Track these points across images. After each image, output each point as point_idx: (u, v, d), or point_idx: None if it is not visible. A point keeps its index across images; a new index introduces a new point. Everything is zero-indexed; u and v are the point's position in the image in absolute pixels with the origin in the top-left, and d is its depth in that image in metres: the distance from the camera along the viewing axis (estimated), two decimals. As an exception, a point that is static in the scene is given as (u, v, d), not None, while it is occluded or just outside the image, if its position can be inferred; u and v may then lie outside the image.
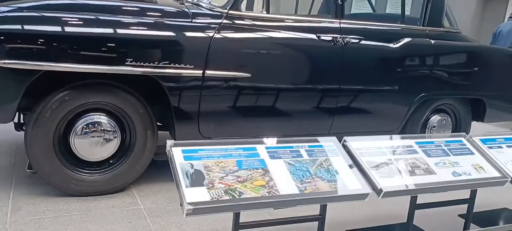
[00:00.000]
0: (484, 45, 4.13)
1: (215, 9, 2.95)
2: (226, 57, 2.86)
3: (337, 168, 2.13)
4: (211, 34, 2.80)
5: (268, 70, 3.02)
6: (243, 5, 3.02)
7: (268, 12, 3.13)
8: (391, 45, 3.41)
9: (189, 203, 1.71)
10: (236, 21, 2.94)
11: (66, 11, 2.57)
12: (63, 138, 2.70)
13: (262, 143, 2.13)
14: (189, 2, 3.12)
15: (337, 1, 3.25)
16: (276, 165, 2.04)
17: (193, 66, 2.75)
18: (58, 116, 2.60)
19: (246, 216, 1.97)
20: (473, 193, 2.43)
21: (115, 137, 2.77)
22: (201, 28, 2.81)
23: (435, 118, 3.86)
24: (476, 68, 3.86)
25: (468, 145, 2.60)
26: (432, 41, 3.60)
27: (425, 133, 3.83)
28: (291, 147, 2.17)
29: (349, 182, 2.07)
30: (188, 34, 2.77)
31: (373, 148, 2.33)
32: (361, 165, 2.19)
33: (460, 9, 7.26)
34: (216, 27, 2.84)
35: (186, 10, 2.88)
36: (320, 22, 3.26)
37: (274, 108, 3.09)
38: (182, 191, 1.76)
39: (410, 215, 2.23)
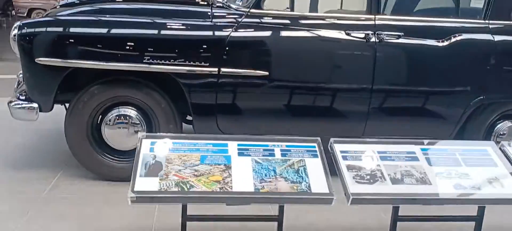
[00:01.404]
0: None
1: (238, 9, 3.00)
2: (242, 56, 2.90)
3: (310, 170, 2.04)
4: (227, 33, 2.87)
5: (287, 69, 2.97)
6: (268, 4, 3.00)
7: (292, 9, 3.07)
8: (436, 43, 3.07)
9: (134, 191, 1.82)
10: (256, 20, 2.95)
11: (89, 14, 2.88)
12: (97, 128, 3.02)
13: (235, 139, 2.15)
14: (219, 2, 3.20)
15: (369, -5, 3.05)
16: (241, 162, 2.04)
17: (208, 64, 2.85)
18: (89, 107, 2.92)
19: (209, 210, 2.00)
20: (481, 211, 2.10)
21: (141, 129, 3.01)
22: (219, 28, 2.89)
23: (503, 125, 3.36)
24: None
25: (493, 156, 2.25)
26: (495, 38, 3.14)
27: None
28: (266, 146, 2.14)
29: (316, 185, 1.97)
30: (204, 33, 2.88)
31: (361, 152, 2.16)
32: (340, 168, 2.06)
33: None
34: (233, 26, 2.90)
35: (207, 10, 2.99)
36: (350, 18, 3.08)
37: (295, 108, 3.03)
38: (134, 180, 1.87)
39: (392, 228, 2.02)
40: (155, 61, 2.81)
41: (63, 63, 2.76)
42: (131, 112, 3.00)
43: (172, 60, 2.82)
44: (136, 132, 3.01)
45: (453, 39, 3.09)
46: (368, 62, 3.01)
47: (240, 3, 3.07)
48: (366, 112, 3.09)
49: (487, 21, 3.19)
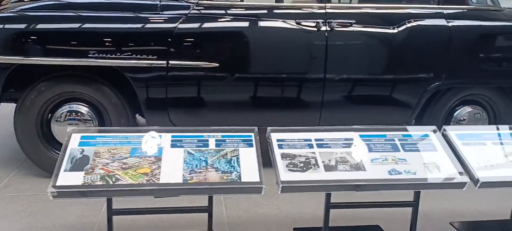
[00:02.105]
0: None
1: (188, 1, 2.96)
2: (190, 48, 2.86)
3: (243, 160, 2.00)
4: (174, 25, 2.83)
5: (238, 60, 2.94)
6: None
7: (242, 0, 3.03)
8: (389, 29, 3.04)
9: (54, 186, 1.78)
10: (205, 11, 2.92)
11: (37, 10, 2.82)
12: (47, 125, 2.98)
13: (170, 131, 2.11)
14: None
15: (322, -16, 3.02)
16: (173, 154, 2.00)
17: (156, 57, 2.81)
18: (38, 104, 2.87)
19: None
20: (416, 196, 2.07)
21: (93, 125, 2.97)
22: (166, 20, 2.86)
23: (463, 111, 3.33)
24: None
25: (434, 141, 2.23)
26: (449, 23, 3.11)
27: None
28: (201, 136, 2.11)
29: (247, 174, 1.94)
30: (151, 26, 2.85)
31: (299, 140, 2.13)
32: (274, 157, 2.03)
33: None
34: (181, 18, 2.86)
35: (156, 2, 2.95)
36: (301, 7, 3.05)
37: (247, 99, 3.00)
38: (56, 175, 1.83)
39: (325, 215, 1.99)
40: (101, 55, 2.77)
41: (5, 60, 2.72)
42: (82, 108, 2.96)
43: (118, 54, 2.78)
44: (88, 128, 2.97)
45: (406, 26, 3.07)
46: (320, 51, 2.98)
47: (190, -6, 3.03)
48: (320, 101, 3.07)
49: (441, 6, 3.17)
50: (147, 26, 2.84)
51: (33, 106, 2.87)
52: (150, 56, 2.80)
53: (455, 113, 3.33)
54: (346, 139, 2.18)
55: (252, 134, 2.13)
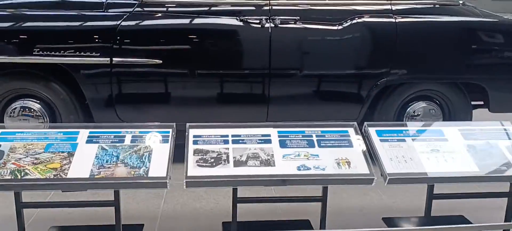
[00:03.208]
0: (490, 20, 3.37)
1: (133, -2, 3.02)
2: (134, 45, 2.92)
3: (155, 155, 2.06)
4: (117, 23, 2.89)
5: (182, 56, 2.98)
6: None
7: (184, -3, 3.07)
8: (334, 26, 3.05)
9: (-39, 179, 1.86)
10: (149, 8, 2.97)
11: None
12: (1, 119, 3.07)
13: (88, 127, 2.18)
14: None
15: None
16: (87, 149, 2.07)
17: (99, 54, 2.87)
18: (-9, 99, 2.97)
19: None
20: (324, 191, 2.10)
21: (45, 121, 3.05)
22: (110, 17, 2.92)
23: (415, 106, 3.32)
24: (470, 49, 3.22)
25: (353, 137, 2.25)
26: (396, 19, 3.11)
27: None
28: (119, 132, 2.17)
29: (156, 170, 1.99)
30: (96, 23, 2.92)
31: (215, 136, 2.18)
32: (187, 152, 2.08)
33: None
34: (125, 15, 2.92)
35: (102, 1, 3.01)
36: (245, 4, 3.08)
37: (192, 96, 3.05)
38: (-34, 169, 1.91)
39: (233, 210, 2.03)
40: (45, 53, 2.84)
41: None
42: (34, 104, 3.05)
43: (62, 52, 2.85)
44: (40, 124, 3.06)
45: (352, 22, 3.07)
46: (264, 47, 3.01)
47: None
48: (266, 97, 3.10)
49: (389, 1, 3.16)
50: (90, 24, 2.91)
51: None
52: (93, 54, 2.87)
53: (408, 109, 3.33)
54: (262, 135, 2.21)
55: (170, 130, 2.18)
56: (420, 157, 2.16)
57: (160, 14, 2.98)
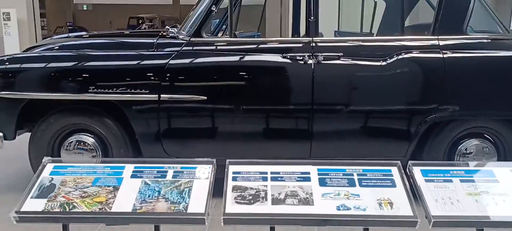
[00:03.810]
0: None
1: (181, 38, 3.15)
2: (180, 82, 3.04)
3: (194, 191, 2.10)
4: (166, 61, 3.02)
5: (226, 93, 3.07)
6: (207, 31, 3.15)
7: (231, 36, 3.16)
8: (375, 62, 3.02)
9: (16, 211, 1.98)
10: (196, 47, 3.09)
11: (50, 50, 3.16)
12: (57, 153, 3.27)
13: (134, 162, 2.26)
14: (172, 32, 3.36)
15: (309, 18, 3.07)
16: (131, 184, 2.14)
17: (148, 91, 3.01)
18: (48, 135, 3.17)
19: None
20: (365, 233, 2.03)
21: (96, 154, 3.21)
22: (159, 57, 3.07)
23: (467, 144, 3.19)
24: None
25: (396, 177, 2.18)
26: (444, 54, 3.03)
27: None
28: (161, 167, 2.23)
29: (195, 206, 2.02)
30: (146, 62, 3.07)
31: (254, 172, 2.19)
32: (226, 189, 2.10)
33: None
34: (173, 54, 3.05)
35: (153, 40, 3.17)
36: (288, 42, 3.13)
37: (236, 131, 3.10)
38: (23, 201, 2.04)
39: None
40: (99, 90, 3.02)
41: (18, 96, 3.06)
42: (88, 139, 3.22)
43: (114, 89, 3.02)
44: (93, 157, 3.22)
45: (397, 57, 3.03)
46: (306, 84, 3.03)
47: (185, 33, 3.22)
48: (310, 133, 3.09)
49: (436, 37, 3.09)
50: (141, 63, 3.06)
51: (44, 136, 3.18)
52: (143, 90, 3.01)
53: (459, 147, 3.20)
54: (302, 173, 2.20)
55: (210, 166, 2.22)
56: (468, 199, 2.05)
57: (206, 53, 3.09)
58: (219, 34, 4.22)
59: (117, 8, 25.85)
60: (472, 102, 3.05)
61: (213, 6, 3.10)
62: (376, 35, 3.98)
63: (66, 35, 4.20)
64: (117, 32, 3.88)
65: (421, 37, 3.13)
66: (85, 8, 25.93)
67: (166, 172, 2.21)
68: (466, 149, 3.19)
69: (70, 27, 21.83)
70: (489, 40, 3.14)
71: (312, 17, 3.08)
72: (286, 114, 3.10)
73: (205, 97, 3.01)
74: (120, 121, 3.17)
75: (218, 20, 4.21)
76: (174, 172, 2.21)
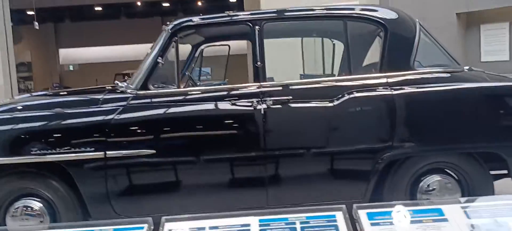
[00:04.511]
0: (498, 85, 3.17)
1: (128, 92, 3.08)
2: (127, 137, 2.94)
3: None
4: (111, 117, 2.93)
5: (175, 145, 2.97)
6: (154, 84, 3.08)
7: (178, 87, 3.10)
8: (328, 103, 2.96)
9: None
10: (143, 101, 3.01)
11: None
12: (3, 220, 3.10)
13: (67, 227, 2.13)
14: (122, 86, 3.28)
15: (256, 64, 3.04)
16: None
17: (93, 149, 2.90)
18: (-3, 200, 3.01)
19: None
20: None
21: (43, 220, 3.04)
22: (103, 112, 2.97)
23: (429, 180, 3.10)
24: (479, 116, 3.03)
25: (340, 222, 2.07)
26: (393, 91, 2.99)
27: (418, 199, 3.10)
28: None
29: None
30: (89, 119, 2.97)
31: (192, 229, 2.07)
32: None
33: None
34: (119, 109, 2.96)
35: (99, 96, 3.09)
36: (236, 88, 3.07)
37: (188, 184, 2.98)
38: None
39: None
40: (42, 151, 2.90)
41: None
42: (35, 203, 3.07)
43: (58, 149, 2.90)
44: (41, 222, 3.06)
45: (347, 97, 2.98)
46: (257, 130, 2.95)
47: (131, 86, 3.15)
48: (264, 181, 2.98)
49: (384, 74, 3.06)
50: (83, 120, 2.97)
51: None
52: (87, 149, 2.90)
53: (421, 184, 3.10)
54: (242, 225, 2.08)
55: (145, 226, 2.09)
56: (414, 241, 1.94)
57: (153, 105, 3.01)
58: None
59: (103, 66, 25.87)
60: (426, 138, 2.98)
61: (159, 57, 3.06)
62: (337, 76, 3.95)
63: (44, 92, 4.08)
64: (78, 89, 3.78)
65: (369, 75, 3.11)
66: (71, 69, 26.02)
67: (99, 233, 2.08)
68: (428, 186, 3.09)
69: (56, 88, 21.90)
70: (439, 75, 3.11)
71: (259, 63, 3.04)
72: (239, 163, 2.99)
73: (154, 151, 2.91)
74: (67, 182, 3.04)
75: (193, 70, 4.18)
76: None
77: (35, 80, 22.23)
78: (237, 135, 3.00)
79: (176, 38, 3.08)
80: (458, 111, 3.04)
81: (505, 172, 3.17)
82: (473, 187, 3.10)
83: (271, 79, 3.20)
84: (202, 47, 4.39)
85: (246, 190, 3.03)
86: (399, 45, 3.07)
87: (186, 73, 4.11)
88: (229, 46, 4.77)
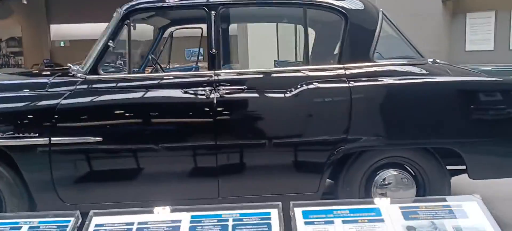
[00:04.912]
0: (459, 79, 3.11)
1: (77, 76, 2.97)
2: (73, 124, 2.84)
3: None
4: (56, 102, 2.82)
5: (124, 133, 2.87)
6: (104, 68, 2.97)
7: (129, 72, 2.99)
8: (283, 93, 2.88)
9: None
10: (92, 86, 2.90)
11: None
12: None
13: None
14: (74, 70, 3.16)
15: (211, 51, 2.94)
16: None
17: (37, 134, 2.79)
18: None
19: None
20: None
21: (-8, 206, 2.96)
22: (49, 97, 2.86)
23: (384, 174, 3.04)
24: (437, 111, 2.96)
25: (274, 220, 2.01)
26: (350, 83, 2.91)
27: (373, 193, 3.05)
28: (16, 223, 2.02)
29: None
30: (35, 104, 2.86)
31: (120, 223, 1.99)
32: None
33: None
34: (66, 94, 2.86)
35: (46, 80, 2.98)
36: (190, 76, 2.98)
37: (136, 173, 2.90)
38: None
39: None
40: (-14, 136, 2.80)
41: None
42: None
43: (2, 134, 2.79)
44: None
45: (303, 88, 2.90)
46: (209, 119, 2.86)
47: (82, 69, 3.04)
48: (216, 172, 2.90)
49: (342, 65, 2.98)
50: (28, 104, 2.85)
51: None
52: (31, 134, 2.80)
53: (376, 178, 3.05)
54: (173, 221, 2.01)
55: (71, 219, 2.02)
56: (347, 242, 1.89)
57: (102, 91, 2.91)
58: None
59: (94, 43, 25.47)
60: (382, 131, 2.90)
61: (110, 41, 2.94)
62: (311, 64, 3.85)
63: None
64: (31, 71, 3.66)
65: (327, 66, 3.02)
66: (62, 45, 25.59)
67: (20, 228, 2.00)
68: (383, 180, 3.04)
69: (47, 64, 21.55)
70: (398, 68, 3.03)
71: (214, 50, 2.93)
72: (189, 152, 2.91)
73: (101, 139, 2.81)
74: (13, 168, 2.94)
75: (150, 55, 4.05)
76: (29, 228, 2.00)
77: (26, 56, 21.93)
78: (188, 123, 2.91)
79: (128, 21, 2.96)
80: (414, 105, 2.96)
81: (464, 167, 3.13)
82: (429, 182, 3.06)
83: (229, 67, 3.11)
84: (170, 29, 4.28)
85: (196, 180, 2.94)
86: (358, 36, 2.98)
87: (150, 56, 3.99)
88: (202, 29, 4.63)
